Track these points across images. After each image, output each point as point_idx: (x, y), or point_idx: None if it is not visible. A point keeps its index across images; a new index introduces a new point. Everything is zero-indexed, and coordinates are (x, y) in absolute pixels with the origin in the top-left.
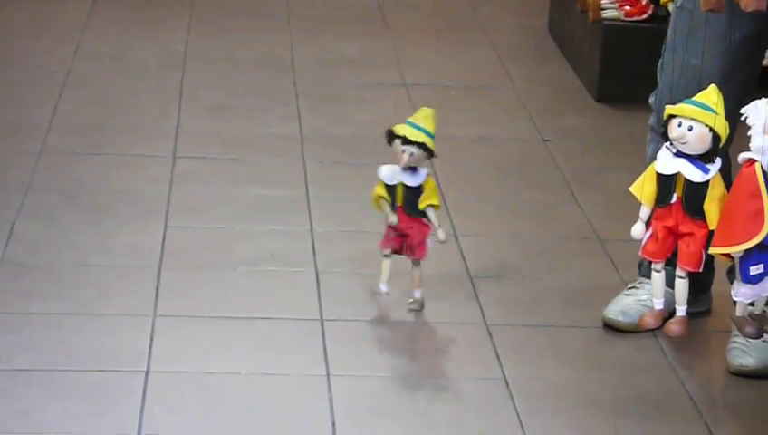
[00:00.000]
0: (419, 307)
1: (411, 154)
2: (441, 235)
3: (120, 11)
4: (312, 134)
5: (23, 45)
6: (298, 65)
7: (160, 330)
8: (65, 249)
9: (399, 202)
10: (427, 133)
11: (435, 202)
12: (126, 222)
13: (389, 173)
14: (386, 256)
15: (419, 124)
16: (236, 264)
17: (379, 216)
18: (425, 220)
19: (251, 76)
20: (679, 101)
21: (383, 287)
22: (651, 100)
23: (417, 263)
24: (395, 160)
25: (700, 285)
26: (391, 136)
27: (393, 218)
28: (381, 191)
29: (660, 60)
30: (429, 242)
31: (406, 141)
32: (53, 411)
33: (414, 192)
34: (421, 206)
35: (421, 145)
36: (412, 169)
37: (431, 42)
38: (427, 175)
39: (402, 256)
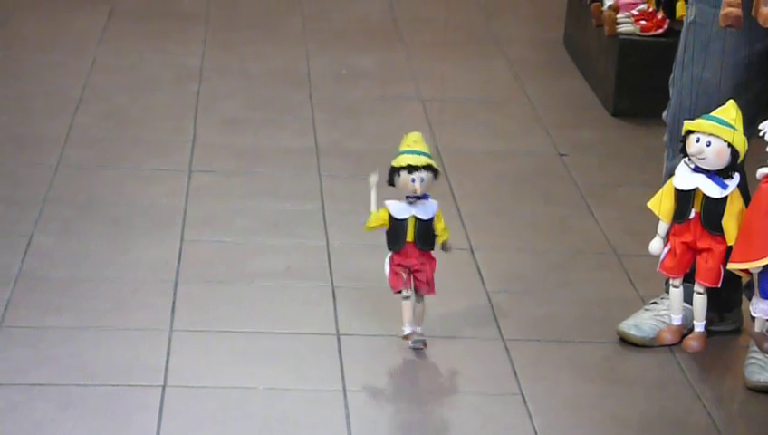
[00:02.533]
0: (423, 345)
1: (422, 180)
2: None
3: (135, 24)
4: (327, 148)
5: (39, 59)
6: (314, 79)
7: (177, 344)
8: (81, 263)
9: (410, 237)
10: (427, 155)
11: (446, 237)
12: (142, 236)
13: (399, 208)
14: (406, 297)
15: (416, 149)
16: (252, 278)
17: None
18: (432, 254)
19: (267, 90)
20: (693, 116)
21: (409, 329)
22: (664, 115)
23: (421, 298)
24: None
25: (724, 303)
26: (393, 171)
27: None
28: (379, 222)
29: (671, 75)
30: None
31: (412, 169)
32: (69, 426)
33: (427, 225)
34: (439, 241)
35: (427, 167)
36: (422, 198)
37: (446, 56)
38: (438, 208)
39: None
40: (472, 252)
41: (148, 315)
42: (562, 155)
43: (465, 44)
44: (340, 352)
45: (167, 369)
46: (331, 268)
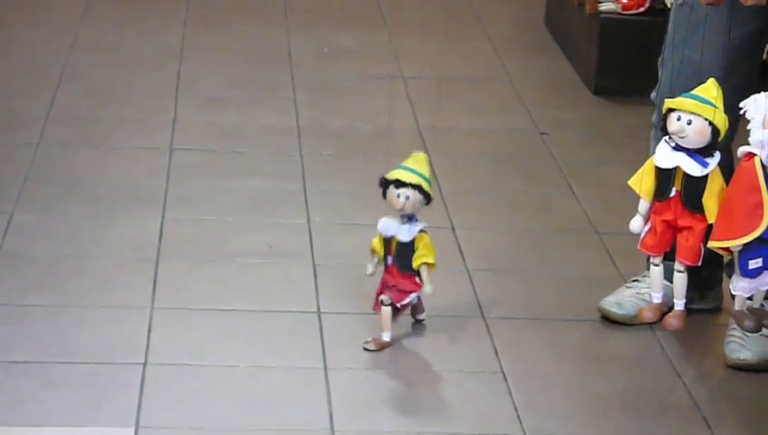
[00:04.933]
0: (375, 348)
1: (407, 198)
2: (428, 289)
3: (116, 3)
4: (309, 126)
5: (20, 37)
6: (295, 57)
7: (158, 322)
8: (62, 241)
9: (393, 258)
10: (422, 176)
11: (430, 260)
12: (123, 214)
13: (386, 225)
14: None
15: (412, 167)
16: (234, 256)
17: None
18: (417, 279)
19: (248, 68)
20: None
21: (386, 337)
22: (653, 96)
23: (395, 308)
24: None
25: (705, 281)
26: (385, 183)
27: (370, 268)
28: (376, 244)
29: (661, 56)
30: (413, 299)
31: (399, 184)
32: (50, 404)
33: (407, 248)
34: (415, 264)
35: (416, 187)
36: (410, 219)
37: (428, 34)
38: (421, 231)
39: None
40: (453, 230)
41: (129, 293)
42: (543, 134)
43: (447, 23)
44: (321, 329)
45: (148, 347)
46: (312, 247)
